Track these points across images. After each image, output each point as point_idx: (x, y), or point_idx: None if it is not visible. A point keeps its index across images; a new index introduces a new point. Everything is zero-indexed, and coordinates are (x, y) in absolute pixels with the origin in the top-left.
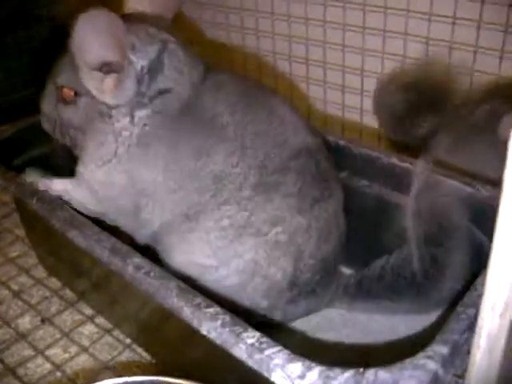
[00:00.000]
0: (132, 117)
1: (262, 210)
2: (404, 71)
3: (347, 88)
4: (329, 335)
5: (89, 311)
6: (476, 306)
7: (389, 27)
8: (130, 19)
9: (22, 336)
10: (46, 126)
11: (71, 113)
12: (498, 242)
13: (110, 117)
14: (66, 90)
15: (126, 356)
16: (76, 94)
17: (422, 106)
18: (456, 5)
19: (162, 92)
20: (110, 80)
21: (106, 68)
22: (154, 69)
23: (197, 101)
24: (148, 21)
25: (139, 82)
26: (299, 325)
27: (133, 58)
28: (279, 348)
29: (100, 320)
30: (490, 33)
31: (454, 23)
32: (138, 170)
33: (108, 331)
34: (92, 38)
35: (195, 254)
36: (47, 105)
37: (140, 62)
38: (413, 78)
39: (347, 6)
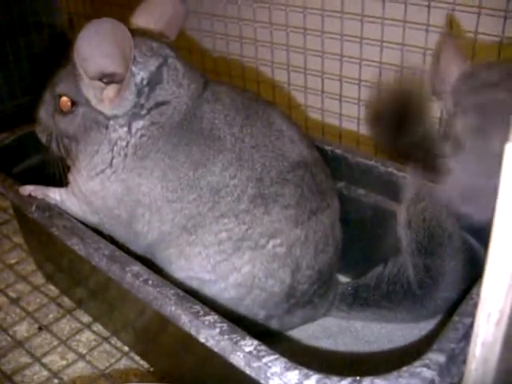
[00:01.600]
0: (129, 127)
1: (259, 222)
2: (390, 81)
3: (345, 97)
4: (326, 343)
5: (86, 319)
6: (472, 314)
7: (386, 37)
8: (133, 34)
9: (19, 343)
10: (41, 136)
11: (68, 122)
12: (494, 250)
13: (107, 127)
14: (63, 100)
15: (123, 364)
16: (74, 104)
17: (409, 115)
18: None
19: (160, 104)
20: (110, 90)
21: (106, 78)
22: (154, 81)
23: (195, 113)
24: (150, 36)
25: (139, 93)
26: (296, 333)
27: (133, 69)
28: (277, 356)
29: (98, 328)
30: (487, 44)
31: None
32: (135, 180)
33: (106, 339)
34: (95, 46)
35: (194, 269)
36: (43, 114)
37: (140, 73)
38: (398, 87)
39: (345, 17)
